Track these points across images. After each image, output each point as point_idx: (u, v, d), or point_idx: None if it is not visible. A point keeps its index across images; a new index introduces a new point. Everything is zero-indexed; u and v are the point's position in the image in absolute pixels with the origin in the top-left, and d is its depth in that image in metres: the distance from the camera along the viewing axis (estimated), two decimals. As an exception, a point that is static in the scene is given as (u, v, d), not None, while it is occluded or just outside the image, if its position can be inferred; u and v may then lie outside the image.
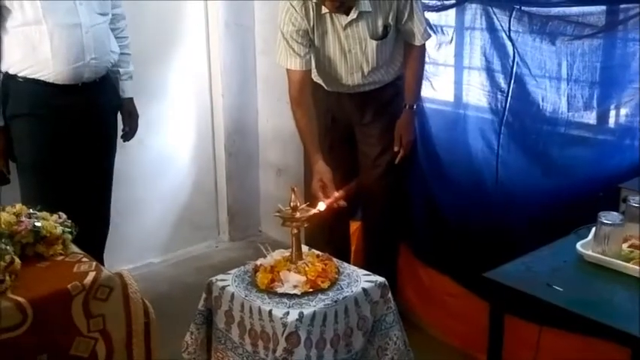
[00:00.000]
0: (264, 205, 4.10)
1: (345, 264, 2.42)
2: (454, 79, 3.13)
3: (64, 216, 1.98)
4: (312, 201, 2.50)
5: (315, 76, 2.89)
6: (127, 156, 3.18)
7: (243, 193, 4.05)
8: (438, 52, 3.09)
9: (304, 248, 2.40)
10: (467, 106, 3.03)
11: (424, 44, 2.84)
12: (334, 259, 2.37)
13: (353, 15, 2.65)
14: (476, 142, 2.95)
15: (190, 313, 2.38)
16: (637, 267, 1.80)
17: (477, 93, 2.98)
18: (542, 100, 2.73)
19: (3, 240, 1.75)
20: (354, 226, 3.27)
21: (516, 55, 2.75)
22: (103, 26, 2.77)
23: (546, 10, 2.64)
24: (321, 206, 2.43)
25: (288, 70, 2.78)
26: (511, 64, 2.77)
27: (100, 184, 2.96)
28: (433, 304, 3.06)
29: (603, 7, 2.53)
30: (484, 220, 2.84)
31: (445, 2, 3.00)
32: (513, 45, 2.74)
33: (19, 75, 2.65)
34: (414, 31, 2.76)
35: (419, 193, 3.12)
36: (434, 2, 3.01)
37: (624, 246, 1.90)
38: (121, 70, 2.95)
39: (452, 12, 3.02)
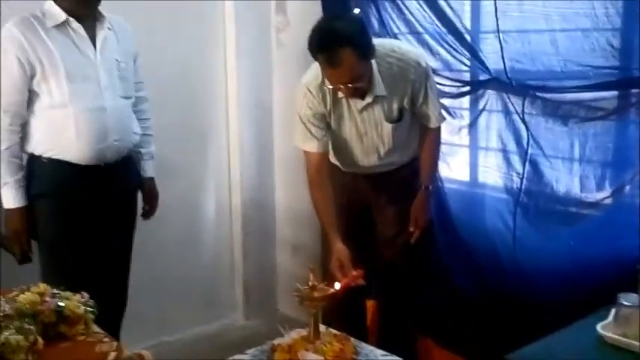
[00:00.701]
0: (281, 282, 4.10)
1: (363, 344, 2.40)
2: (470, 160, 3.19)
3: (86, 296, 2.00)
4: (329, 280, 2.51)
5: (331, 157, 2.94)
6: (144, 233, 3.19)
7: (259, 270, 4.06)
8: (455, 134, 3.16)
9: (322, 327, 2.39)
10: (483, 187, 3.08)
11: (439, 126, 2.90)
12: (352, 339, 2.37)
13: (368, 99, 2.72)
14: (493, 222, 2.98)
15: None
16: (658, 349, 1.80)
17: (493, 174, 3.04)
18: (556, 182, 2.78)
19: (27, 320, 1.77)
20: (369, 304, 3.27)
21: (530, 138, 2.81)
22: (127, 109, 2.85)
23: (560, 96, 2.71)
24: (338, 286, 2.45)
25: (305, 152, 2.84)
26: (525, 146, 2.82)
27: (119, 263, 2.98)
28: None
29: (615, 92, 2.59)
30: (502, 300, 2.83)
31: (461, 89, 3.09)
32: (527, 128, 2.81)
33: (43, 156, 2.71)
34: (429, 114, 2.82)
35: (435, 273, 3.12)
36: (449, 89, 3.09)
37: (645, 328, 1.89)
38: (142, 150, 3.02)
39: (471, 97, 3.10)
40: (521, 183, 2.87)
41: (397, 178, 2.93)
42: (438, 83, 2.96)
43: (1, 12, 2.66)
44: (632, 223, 2.49)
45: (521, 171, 2.87)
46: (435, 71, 2.97)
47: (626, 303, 1.87)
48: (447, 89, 3.09)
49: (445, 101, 3.05)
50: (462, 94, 3.10)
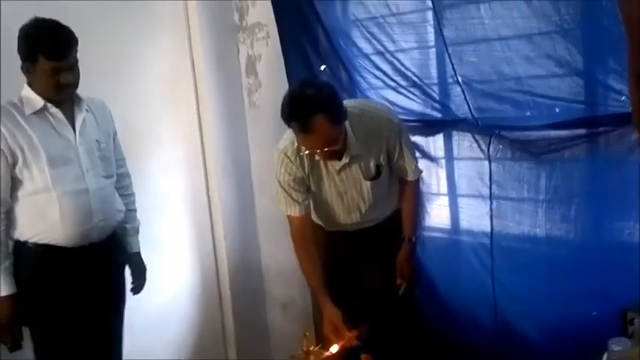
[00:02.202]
0: (273, 340, 4.10)
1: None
2: (446, 204, 3.22)
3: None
4: (325, 343, 2.53)
5: (314, 217, 2.98)
6: (132, 305, 3.18)
7: (251, 331, 4.05)
8: (429, 179, 3.20)
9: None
10: (458, 231, 3.12)
11: (418, 178, 2.96)
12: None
13: (345, 160, 2.77)
14: (471, 267, 3.00)
15: None
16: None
17: (466, 218, 3.07)
18: (530, 223, 2.81)
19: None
20: (363, 358, 3.28)
21: (495, 178, 2.86)
22: (109, 188, 2.87)
23: (526, 134, 2.76)
24: (335, 349, 2.48)
25: (288, 216, 2.88)
26: (490, 187, 2.86)
27: (112, 340, 2.97)
28: None
29: (582, 131, 2.65)
30: (485, 350, 2.86)
31: (432, 133, 3.14)
32: (490, 169, 2.85)
33: (29, 241, 2.71)
34: (406, 167, 2.88)
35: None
36: (419, 136, 3.14)
37: (637, 371, 1.91)
38: (127, 226, 3.03)
39: (440, 140, 3.15)
40: (491, 224, 2.89)
41: (380, 233, 2.97)
42: (408, 126, 3.01)
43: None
44: (614, 261, 2.54)
45: (491, 212, 2.90)
46: (405, 119, 3.03)
47: (616, 348, 1.88)
48: (417, 137, 3.14)
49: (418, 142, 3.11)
50: (429, 128, 3.15)
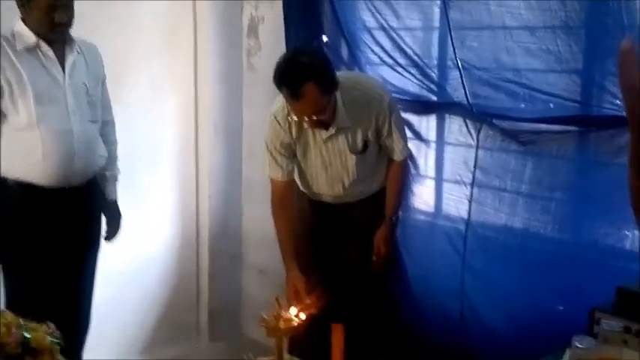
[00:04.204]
0: (246, 306, 4.11)
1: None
2: (429, 186, 3.21)
3: (52, 326, 2.00)
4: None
5: (300, 186, 2.98)
6: (110, 254, 3.19)
7: (225, 294, 4.07)
8: (417, 159, 3.19)
9: (287, 356, 2.42)
10: (438, 215, 3.12)
11: (406, 158, 2.95)
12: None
13: (332, 130, 2.77)
14: (444, 251, 3.01)
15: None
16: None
17: (447, 200, 3.07)
18: (509, 212, 2.81)
19: (-9, 352, 1.77)
20: (335, 327, 3.29)
21: (480, 164, 2.85)
22: (94, 133, 2.86)
23: (518, 125, 2.76)
24: (293, 311, 2.50)
25: (271, 179, 2.89)
26: (473, 172, 2.86)
27: (83, 285, 2.98)
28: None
29: (572, 127, 2.64)
30: (450, 336, 2.88)
31: (425, 115, 3.12)
32: (476, 156, 2.85)
33: (9, 178, 2.71)
34: (394, 146, 2.88)
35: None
36: (412, 115, 3.12)
37: (599, 370, 1.92)
38: (107, 173, 3.02)
39: (432, 121, 3.13)
40: (469, 211, 2.90)
41: (363, 208, 2.97)
42: (401, 105, 3.00)
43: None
44: (588, 260, 2.55)
45: (470, 198, 2.90)
46: (399, 98, 3.01)
47: (580, 345, 1.89)
48: (409, 115, 3.12)
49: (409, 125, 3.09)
50: (424, 113, 3.12)
